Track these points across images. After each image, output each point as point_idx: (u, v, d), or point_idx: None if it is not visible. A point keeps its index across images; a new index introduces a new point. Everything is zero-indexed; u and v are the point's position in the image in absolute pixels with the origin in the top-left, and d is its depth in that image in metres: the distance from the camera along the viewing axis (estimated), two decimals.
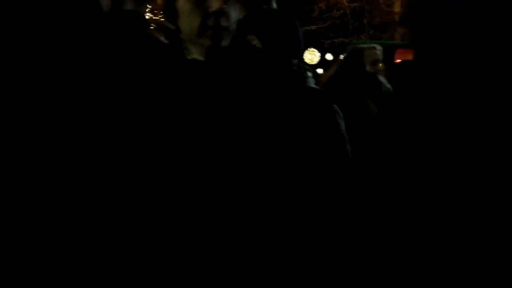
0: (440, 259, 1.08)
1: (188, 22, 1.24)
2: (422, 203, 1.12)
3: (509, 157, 0.99)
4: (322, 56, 12.68)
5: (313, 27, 11.56)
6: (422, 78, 1.13)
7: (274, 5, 1.92)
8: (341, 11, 12.48)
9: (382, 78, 2.55)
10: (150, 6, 1.50)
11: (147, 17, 1.40)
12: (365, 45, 3.03)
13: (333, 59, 12.50)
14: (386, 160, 1.15)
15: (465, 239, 1.04)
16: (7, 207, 0.83)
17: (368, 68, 2.61)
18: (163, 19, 1.29)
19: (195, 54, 1.25)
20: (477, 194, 1.03)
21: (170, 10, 1.28)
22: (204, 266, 1.10)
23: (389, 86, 2.50)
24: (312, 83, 1.64)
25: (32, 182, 0.86)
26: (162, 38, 1.53)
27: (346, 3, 12.56)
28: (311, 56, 11.94)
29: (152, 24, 1.36)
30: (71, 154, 0.91)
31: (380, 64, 2.67)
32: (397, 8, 12.60)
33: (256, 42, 1.32)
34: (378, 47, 2.80)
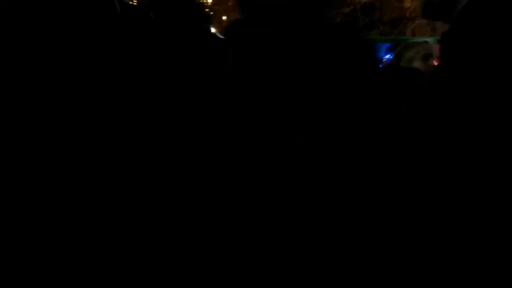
0: (440, 259, 1.07)
1: None
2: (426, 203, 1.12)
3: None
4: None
5: None
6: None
7: None
8: (351, 8, 12.42)
9: (425, 74, 2.43)
10: None
11: None
12: (417, 40, 2.92)
13: None
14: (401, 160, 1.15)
15: (465, 239, 1.04)
16: (7, 207, 0.85)
17: (418, 63, 2.52)
18: None
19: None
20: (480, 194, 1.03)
21: None
22: (204, 266, 1.11)
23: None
24: None
25: (31, 182, 0.87)
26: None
27: (356, 0, 12.51)
28: None
29: None
30: (71, 154, 0.92)
31: (433, 60, 2.55)
32: (407, 3, 12.49)
33: None
34: (431, 41, 2.69)
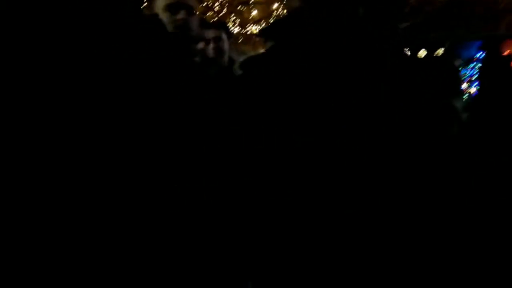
0: (440, 259, 1.02)
1: None
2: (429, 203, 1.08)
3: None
4: (414, 54, 12.04)
5: (405, 24, 10.98)
6: None
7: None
8: (435, 5, 11.75)
9: None
10: None
11: None
12: None
13: (427, 55, 11.79)
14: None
15: (465, 239, 0.98)
16: (7, 207, 0.90)
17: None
18: None
19: None
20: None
21: None
22: (204, 266, 1.15)
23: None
24: None
25: (31, 182, 0.94)
26: None
27: None
28: None
29: None
30: (71, 154, 0.97)
31: None
32: None
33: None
34: None
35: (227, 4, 10.51)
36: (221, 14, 10.34)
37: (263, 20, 10.97)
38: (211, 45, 2.46)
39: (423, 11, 11.34)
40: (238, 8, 10.84)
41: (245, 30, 10.84)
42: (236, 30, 10.60)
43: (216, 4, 10.44)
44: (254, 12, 10.99)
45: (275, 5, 10.75)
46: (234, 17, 10.72)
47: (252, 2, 10.99)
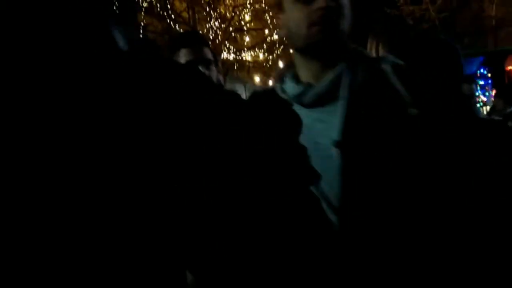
0: (441, 259, 0.98)
1: None
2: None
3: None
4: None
5: None
6: None
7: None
8: (430, 24, 12.01)
9: None
10: None
11: None
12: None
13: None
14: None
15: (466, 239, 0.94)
16: (7, 207, 0.87)
17: None
18: None
19: None
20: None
21: None
22: (203, 266, 1.12)
23: None
24: None
25: (31, 182, 0.90)
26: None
27: (434, 14, 12.11)
28: None
29: None
30: (71, 155, 0.94)
31: None
32: (491, 11, 11.75)
33: None
34: None
35: (221, 32, 10.71)
36: (216, 41, 10.49)
37: (256, 47, 11.19)
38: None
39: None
40: (233, 35, 11.04)
41: (240, 57, 11.03)
42: (231, 57, 10.78)
43: (211, 32, 10.61)
44: (248, 39, 11.18)
45: (267, 31, 10.95)
46: (229, 45, 10.89)
47: (246, 29, 11.21)
